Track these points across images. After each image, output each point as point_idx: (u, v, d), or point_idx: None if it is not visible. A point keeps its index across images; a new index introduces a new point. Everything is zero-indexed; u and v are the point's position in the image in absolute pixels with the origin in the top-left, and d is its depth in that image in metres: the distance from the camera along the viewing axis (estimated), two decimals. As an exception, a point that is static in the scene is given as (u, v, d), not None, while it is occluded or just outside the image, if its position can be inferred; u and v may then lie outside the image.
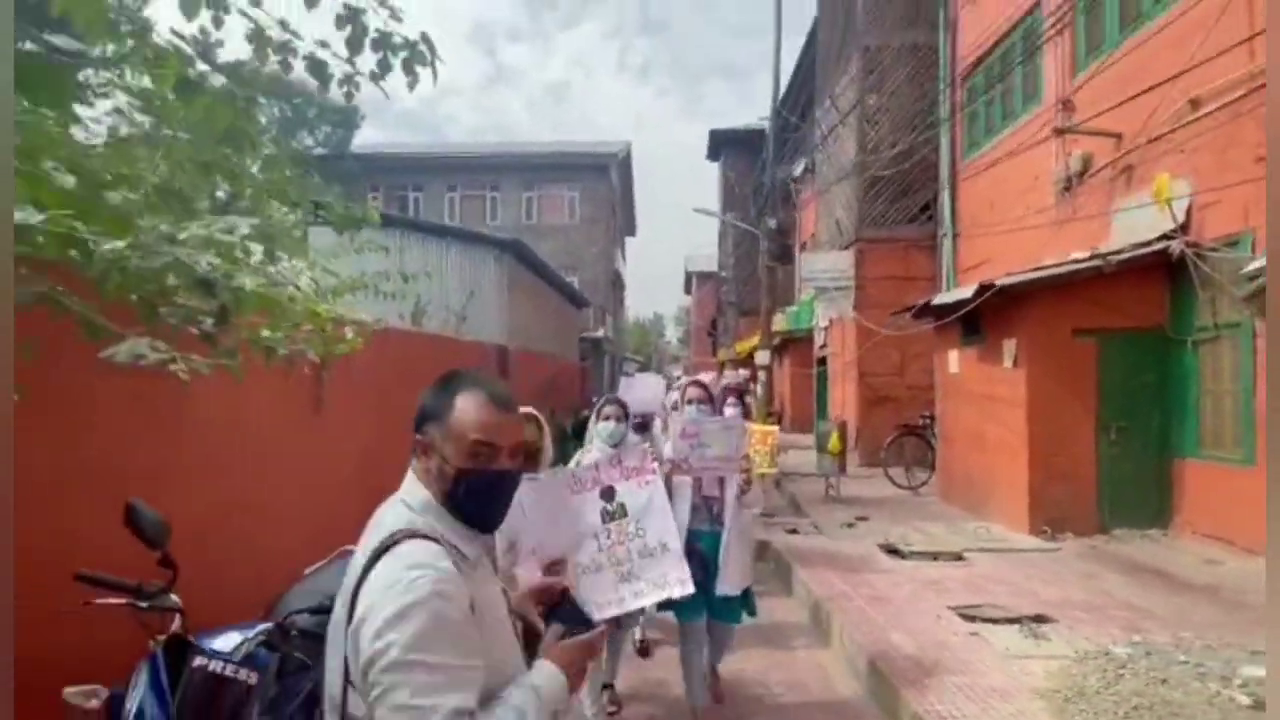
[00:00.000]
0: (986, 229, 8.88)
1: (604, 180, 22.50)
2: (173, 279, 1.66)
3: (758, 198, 17.40)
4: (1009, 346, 6.48)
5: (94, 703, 1.62)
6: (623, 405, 3.18)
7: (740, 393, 4.26)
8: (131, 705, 1.63)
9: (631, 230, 32.43)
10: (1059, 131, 6.98)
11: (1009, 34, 8.58)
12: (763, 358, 10.01)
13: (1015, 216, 8.13)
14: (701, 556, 2.86)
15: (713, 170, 26.16)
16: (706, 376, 15.19)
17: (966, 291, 6.61)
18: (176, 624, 1.85)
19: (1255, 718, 2.74)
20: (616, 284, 26.89)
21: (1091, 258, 6.04)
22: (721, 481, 2.96)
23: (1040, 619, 4.02)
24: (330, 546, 2.07)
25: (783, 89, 16.28)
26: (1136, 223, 6.13)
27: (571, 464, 3.20)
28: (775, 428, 4.76)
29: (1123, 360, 6.03)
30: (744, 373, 11.96)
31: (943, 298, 7.31)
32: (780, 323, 15.91)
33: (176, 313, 1.83)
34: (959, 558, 5.45)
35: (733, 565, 2.94)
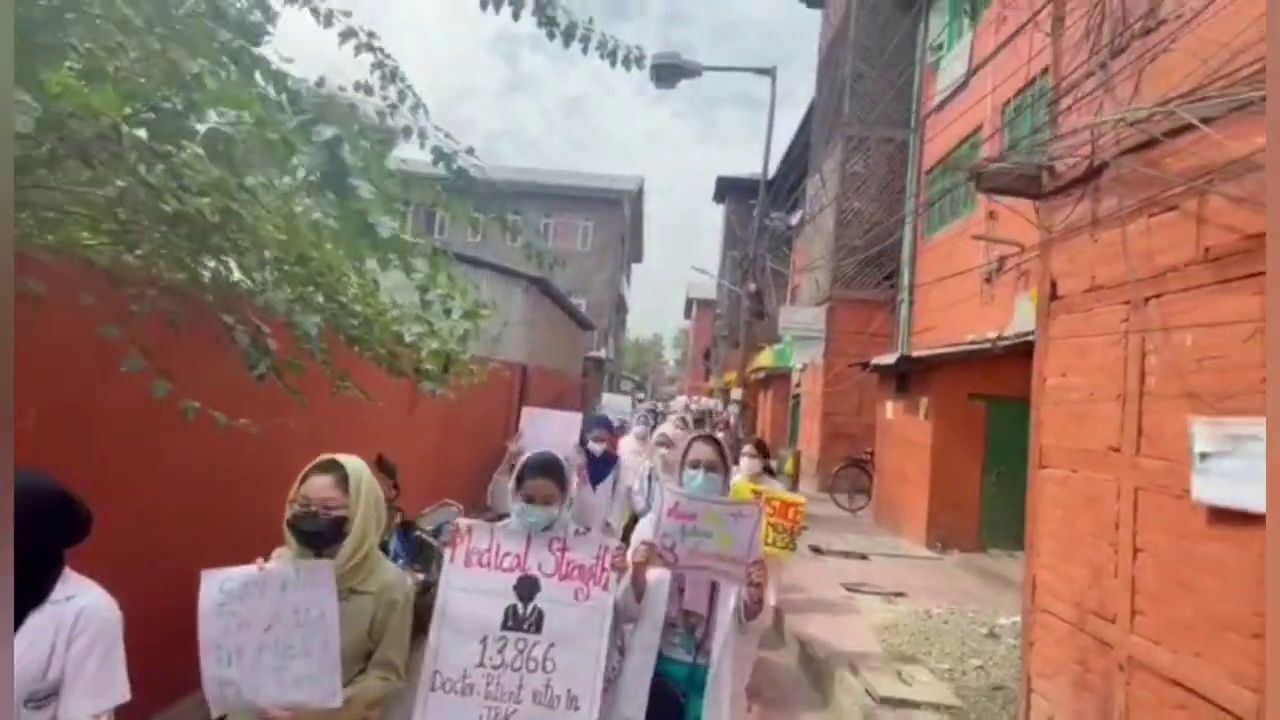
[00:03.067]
0: (934, 300, 10.86)
1: (617, 212, 24.62)
2: (409, 343, 3.52)
3: (763, 235, 19.48)
4: (923, 403, 8.41)
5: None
6: (549, 466, 1.89)
7: (762, 446, 3.94)
8: (391, 548, 3.50)
9: (638, 258, 34.57)
10: (975, 237, 8.97)
11: (959, 146, 10.65)
12: (737, 394, 11.92)
13: (953, 295, 10.11)
14: (673, 695, 1.93)
15: (718, 209, 28.36)
16: (707, 402, 17.23)
17: (892, 359, 8.56)
18: (396, 518, 3.74)
19: (988, 641, 4.61)
20: (620, 308, 28.94)
21: (985, 340, 7.99)
22: (713, 591, 1.96)
23: (898, 594, 5.89)
24: (420, 498, 3.99)
25: (786, 144, 18.43)
26: (1028, 314, 8.10)
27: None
28: (802, 499, 3.42)
29: (1004, 419, 7.95)
30: (715, 401, 13.74)
31: (878, 360, 9.25)
32: (766, 358, 17.85)
33: (406, 365, 3.70)
34: (864, 558, 7.32)
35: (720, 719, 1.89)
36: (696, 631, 1.96)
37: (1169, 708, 2.46)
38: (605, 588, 1.75)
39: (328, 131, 1.98)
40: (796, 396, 15.53)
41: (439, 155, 2.88)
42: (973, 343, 8.02)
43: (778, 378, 18.43)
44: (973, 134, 10.10)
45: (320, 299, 2.85)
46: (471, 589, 1.72)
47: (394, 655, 1.65)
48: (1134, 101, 2.84)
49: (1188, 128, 2.42)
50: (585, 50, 2.97)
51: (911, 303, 11.95)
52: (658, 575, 1.90)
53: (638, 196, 27.63)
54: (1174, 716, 2.43)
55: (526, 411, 3.39)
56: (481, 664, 1.67)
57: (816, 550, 7.48)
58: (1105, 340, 2.98)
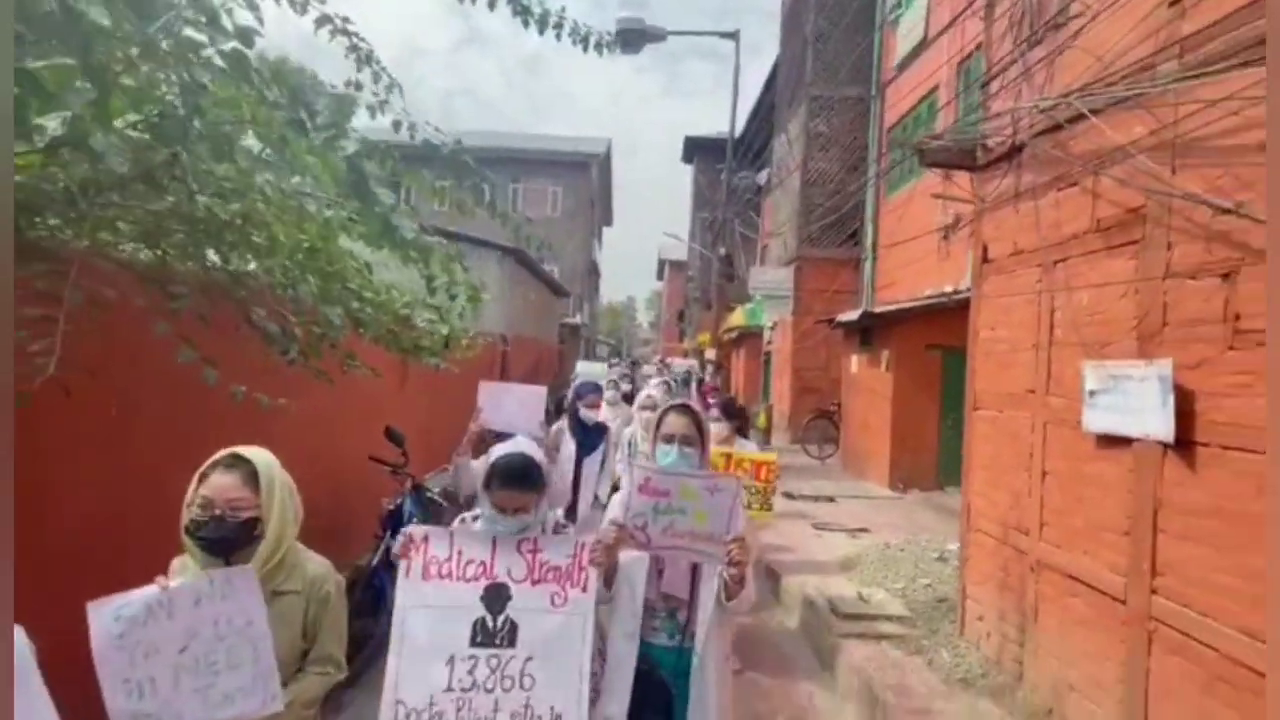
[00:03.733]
0: (895, 258, 11.40)
1: (585, 176, 24.53)
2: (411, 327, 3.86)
3: (732, 199, 19.75)
4: (885, 355, 9.00)
5: (396, 501, 3.89)
6: (522, 474, 1.67)
7: (730, 409, 3.83)
8: (404, 509, 3.91)
9: (608, 221, 34.48)
10: (934, 196, 9.45)
11: (917, 106, 11.02)
12: (710, 354, 12.43)
13: (912, 252, 10.64)
14: (661, 683, 1.81)
15: (687, 168, 28.39)
16: (681, 364, 17.88)
17: (855, 315, 9.09)
18: (408, 483, 4.13)
19: (937, 564, 5.26)
20: (592, 272, 29.05)
21: (941, 295, 8.55)
22: (694, 572, 1.83)
23: (862, 530, 6.55)
24: (415, 466, 4.40)
25: (754, 100, 18.57)
26: (977, 270, 8.68)
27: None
28: (773, 456, 3.54)
29: (959, 368, 8.53)
30: (692, 362, 14.24)
31: (843, 317, 9.79)
32: (739, 318, 18.37)
33: (406, 341, 4.04)
34: (831, 500, 7.99)
35: (707, 708, 1.78)
36: (679, 615, 1.82)
37: (1065, 596, 3.05)
38: (584, 589, 1.57)
39: (350, 147, 2.29)
40: (768, 354, 16.13)
41: (400, 126, 3.05)
42: (929, 297, 8.58)
43: (750, 336, 19.00)
44: (930, 94, 10.48)
45: (337, 289, 3.16)
46: (432, 605, 1.52)
47: (333, 649, 1.57)
48: (1047, 89, 3.26)
49: (1084, 116, 2.86)
50: (559, 37, 3.26)
51: (875, 260, 12.48)
52: (633, 558, 1.75)
53: (605, 159, 27.47)
54: (1069, 603, 3.03)
55: (483, 387, 3.09)
56: (450, 688, 1.47)
57: (789, 496, 8.10)
58: (1024, 298, 3.48)
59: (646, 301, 68.92)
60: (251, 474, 1.46)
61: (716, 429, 3.52)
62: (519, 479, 1.63)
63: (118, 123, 1.92)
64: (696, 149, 25.03)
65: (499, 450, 1.70)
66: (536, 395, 3.09)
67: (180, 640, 1.33)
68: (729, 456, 3.31)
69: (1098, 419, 2.81)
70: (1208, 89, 2.35)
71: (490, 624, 1.53)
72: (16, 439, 1.23)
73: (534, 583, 1.57)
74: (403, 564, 1.57)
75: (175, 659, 1.32)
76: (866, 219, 12.75)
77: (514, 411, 2.88)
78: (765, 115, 18.66)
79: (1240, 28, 2.25)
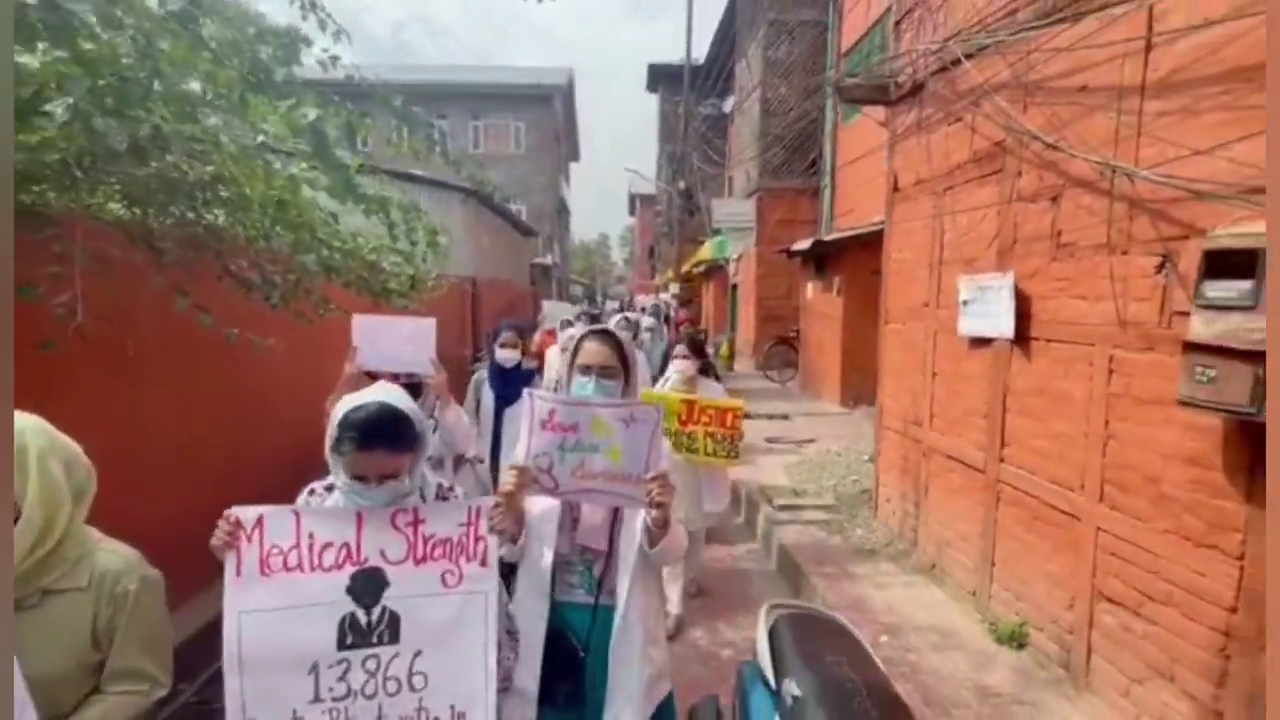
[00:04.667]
0: (851, 185, 11.76)
1: (549, 110, 23.95)
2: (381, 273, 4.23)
3: (690, 132, 19.64)
4: (836, 281, 9.54)
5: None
6: (381, 430, 1.32)
7: (697, 346, 3.48)
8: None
9: (575, 156, 33.81)
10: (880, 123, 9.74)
11: (871, 30, 11.10)
12: (673, 289, 12.86)
13: (867, 178, 11.00)
14: (572, 649, 1.54)
15: (653, 97, 27.76)
16: (646, 299, 18.13)
17: (807, 244, 9.55)
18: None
19: (867, 465, 5.98)
20: (562, 211, 28.79)
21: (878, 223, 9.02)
22: (614, 518, 1.58)
23: (809, 441, 7.26)
24: None
25: (718, 22, 18.19)
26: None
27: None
28: (740, 402, 3.24)
29: (904, 291, 9.18)
30: (664, 297, 14.64)
31: (797, 246, 10.24)
32: (706, 251, 18.67)
33: (375, 285, 4.41)
34: (786, 418, 8.70)
35: (631, 674, 1.53)
36: (595, 568, 1.57)
37: (946, 473, 3.71)
38: (483, 562, 1.32)
39: (311, 114, 2.62)
40: (734, 285, 16.60)
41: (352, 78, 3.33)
42: (874, 224, 9.05)
43: (718, 269, 19.39)
44: (883, 17, 10.56)
45: (308, 238, 3.52)
46: (278, 607, 1.23)
47: (137, 660, 1.24)
48: (939, 32, 3.63)
49: (964, 59, 3.26)
50: None
51: (833, 189, 12.82)
52: (542, 506, 1.52)
53: (569, 91, 26.72)
54: (948, 478, 3.68)
55: (357, 320, 2.56)
56: (318, 698, 1.22)
57: (747, 416, 8.79)
58: (922, 223, 3.96)
59: (620, 238, 68.32)
60: None
61: (682, 367, 3.35)
62: (380, 436, 1.28)
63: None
64: (661, 78, 24.47)
65: (350, 401, 1.33)
66: (425, 328, 2.54)
67: None
68: (692, 404, 3.09)
69: (968, 324, 3.37)
70: (1048, 38, 2.77)
71: (363, 620, 1.25)
72: (43, 379, 1.60)
73: (418, 562, 1.28)
74: (228, 559, 1.23)
75: None
76: (824, 147, 12.99)
77: (397, 349, 2.41)
78: (731, 40, 18.34)
79: None
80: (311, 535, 1.27)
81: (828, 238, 9.05)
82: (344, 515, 1.30)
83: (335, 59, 3.46)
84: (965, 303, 3.37)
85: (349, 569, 1.27)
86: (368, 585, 1.27)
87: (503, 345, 3.30)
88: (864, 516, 4.71)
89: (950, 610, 3.40)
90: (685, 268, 19.95)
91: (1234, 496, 2.00)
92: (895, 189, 4.35)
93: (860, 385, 9.36)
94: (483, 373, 3.46)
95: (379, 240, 4.32)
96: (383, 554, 1.29)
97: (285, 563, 1.25)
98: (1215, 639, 2.06)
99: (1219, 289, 1.82)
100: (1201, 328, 1.87)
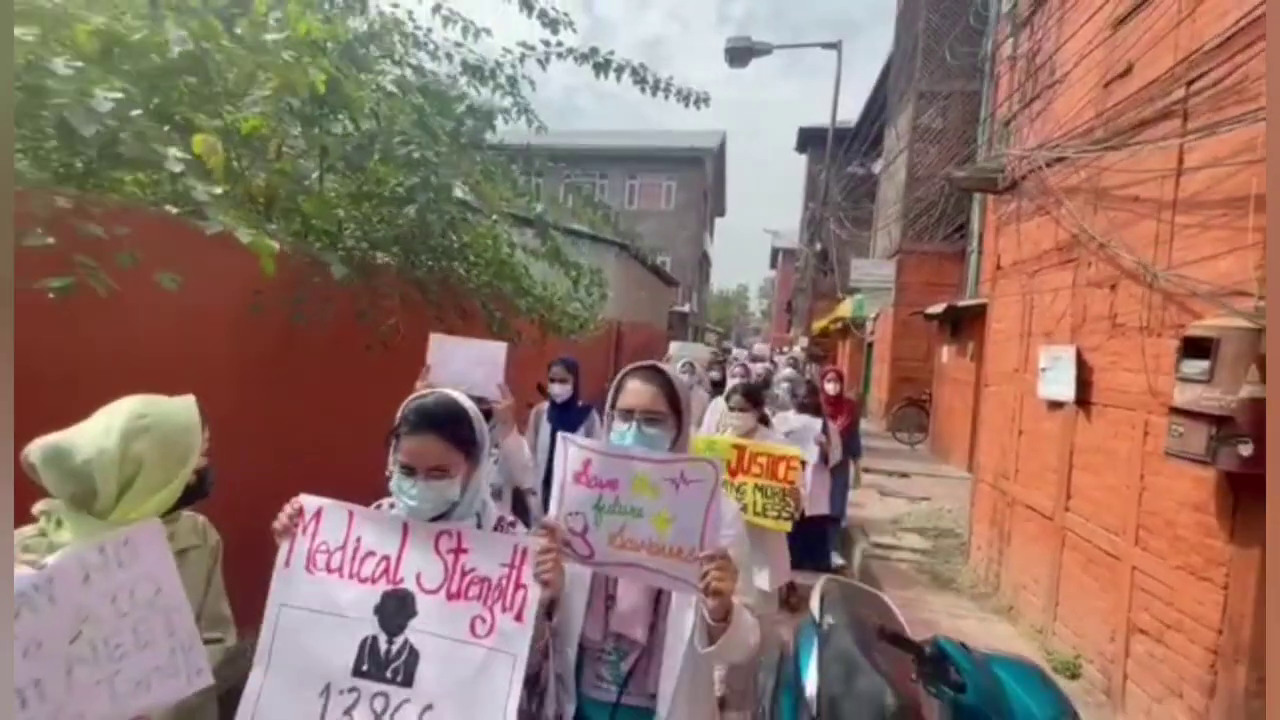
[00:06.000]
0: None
1: (699, 170, 25.89)
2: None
3: (829, 198, 20.27)
4: (970, 346, 9.68)
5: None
6: (441, 414, 1.30)
7: (753, 395, 3.07)
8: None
9: (721, 211, 35.58)
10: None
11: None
12: (802, 342, 13.46)
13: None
14: None
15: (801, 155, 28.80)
16: (762, 348, 18.91)
17: (940, 307, 9.84)
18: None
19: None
20: (703, 262, 30.43)
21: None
22: (660, 599, 1.32)
23: (923, 499, 7.56)
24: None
25: (873, 85, 18.95)
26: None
27: None
28: (796, 450, 2.81)
29: (1043, 361, 9.12)
30: (794, 351, 15.15)
31: (931, 309, 10.51)
32: (845, 309, 18.96)
33: (551, 321, 5.77)
34: (905, 476, 8.95)
35: None
36: (626, 661, 1.30)
37: (1024, 522, 4.15)
38: (519, 616, 1.13)
39: (539, 206, 3.97)
40: (870, 344, 16.74)
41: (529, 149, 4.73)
42: (1013, 293, 9.18)
43: (857, 326, 19.53)
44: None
45: (514, 287, 4.93)
46: (315, 607, 1.17)
47: (224, 606, 1.38)
48: (1036, 136, 4.30)
49: (1046, 165, 3.92)
50: (666, 98, 4.81)
51: (980, 254, 12.83)
52: (571, 574, 1.25)
53: (720, 152, 28.62)
54: (1025, 526, 4.13)
55: (434, 339, 2.53)
56: None
57: (866, 470, 9.17)
58: (1016, 299, 4.52)
59: (760, 289, 69.02)
60: None
61: (738, 421, 2.98)
62: (433, 421, 1.24)
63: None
64: (809, 140, 25.47)
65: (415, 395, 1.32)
66: (495, 352, 2.48)
67: (68, 628, 1.02)
68: (742, 450, 2.72)
69: (1045, 389, 3.90)
70: (1113, 155, 3.40)
71: (383, 647, 1.14)
72: (378, 375, 2.84)
73: (450, 596, 1.15)
74: (283, 545, 1.21)
75: (65, 650, 1.01)
76: (973, 213, 13.08)
77: (468, 370, 2.38)
78: (882, 104, 18.94)
79: (1145, 102, 3.29)
80: (359, 540, 1.19)
81: (961, 303, 9.31)
82: (392, 525, 1.20)
83: (529, 147, 4.89)
84: (1043, 370, 3.91)
85: (383, 586, 1.16)
86: (397, 610, 1.15)
87: (553, 380, 3.27)
88: (956, 562, 5.12)
89: (1016, 645, 3.83)
90: (822, 324, 20.33)
91: (1221, 536, 2.48)
92: (997, 267, 4.92)
93: (989, 452, 9.34)
94: (543, 406, 3.40)
95: (564, 290, 5.72)
96: (419, 578, 1.16)
97: (329, 563, 1.18)
98: (1207, 657, 2.51)
99: (1189, 367, 2.40)
100: (1178, 395, 2.45)
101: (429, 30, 4.23)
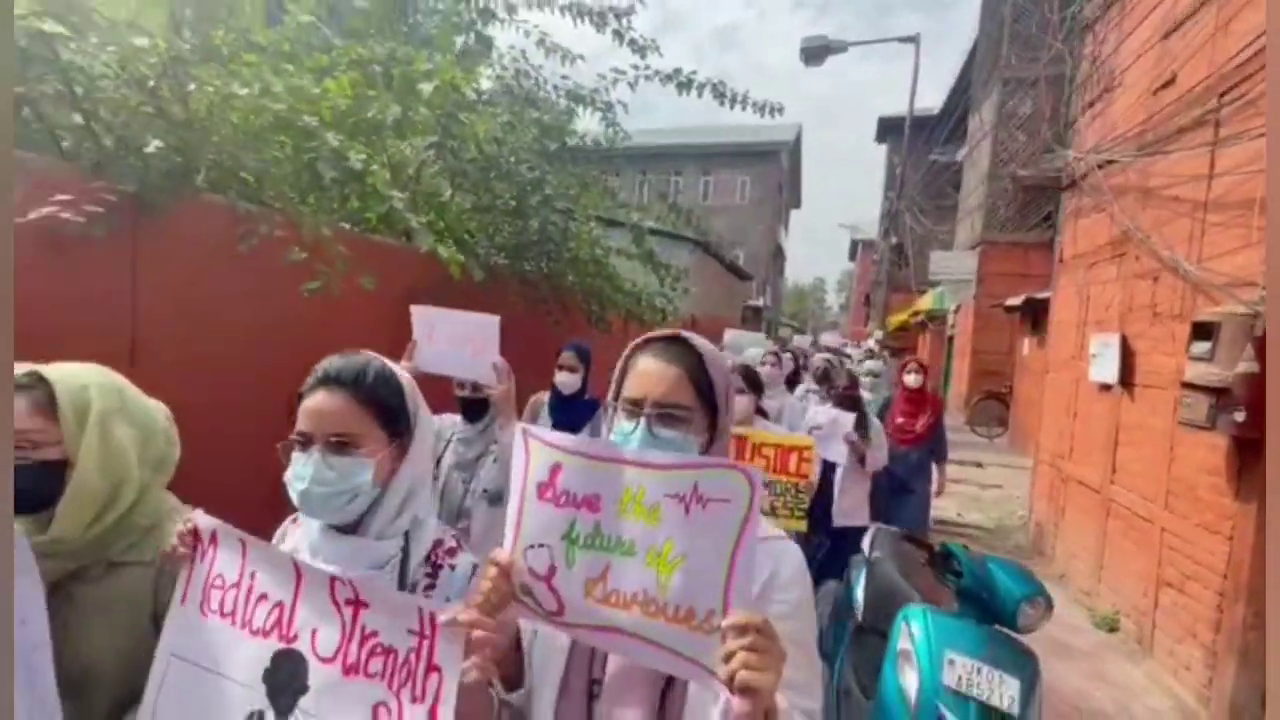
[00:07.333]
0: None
1: (774, 164, 26.08)
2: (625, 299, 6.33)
3: (901, 192, 20.01)
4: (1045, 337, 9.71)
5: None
6: (341, 373, 0.97)
7: (752, 378, 2.74)
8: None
9: (797, 204, 35.44)
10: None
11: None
12: (876, 335, 13.61)
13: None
14: None
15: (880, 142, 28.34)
16: (830, 338, 19.00)
17: (1019, 299, 9.90)
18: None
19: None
20: (777, 256, 30.54)
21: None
22: (668, 688, 0.81)
23: (994, 486, 7.83)
24: None
25: (958, 70, 18.65)
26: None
27: None
28: (809, 439, 2.50)
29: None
30: (868, 344, 15.22)
31: (1010, 301, 10.55)
32: (927, 301, 18.79)
33: (637, 312, 6.53)
34: (979, 466, 9.17)
35: None
36: None
37: (1077, 496, 4.54)
38: (433, 713, 0.75)
39: (635, 215, 4.73)
40: (950, 337, 16.60)
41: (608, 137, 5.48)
42: (1097, 284, 9.15)
43: (937, 319, 19.28)
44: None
45: (609, 285, 5.72)
46: (204, 664, 0.88)
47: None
48: (1091, 139, 4.64)
49: (1101, 166, 4.29)
50: (744, 109, 5.45)
51: (1067, 243, 12.62)
52: (545, 640, 0.89)
53: (795, 145, 28.64)
54: (1078, 500, 4.51)
55: (417, 312, 2.12)
56: None
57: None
58: (1075, 290, 4.87)
59: (838, 282, 67.62)
60: (48, 397, 0.98)
61: (739, 404, 2.54)
62: (342, 377, 0.95)
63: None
64: (889, 130, 25.11)
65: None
66: (487, 326, 2.03)
67: None
68: (744, 441, 2.40)
69: (1094, 373, 4.28)
70: (1156, 158, 3.77)
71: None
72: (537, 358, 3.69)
73: (347, 670, 0.81)
74: (180, 576, 0.93)
75: None
76: (1060, 202, 12.84)
77: (457, 349, 2.03)
78: (967, 88, 18.57)
79: (1184, 110, 3.65)
80: (253, 576, 0.88)
81: (1040, 295, 9.37)
82: (283, 561, 0.87)
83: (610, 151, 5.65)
84: (1093, 355, 4.29)
85: (274, 642, 0.85)
86: (288, 679, 0.83)
87: (560, 367, 2.73)
88: (1016, 540, 5.49)
89: (1065, 607, 4.24)
90: (901, 318, 20.16)
91: (1228, 494, 2.91)
92: (1060, 260, 5.26)
93: (1070, 445, 9.37)
94: (544, 395, 2.84)
95: (650, 285, 6.48)
96: (313, 637, 0.83)
97: (223, 604, 0.89)
98: (1216, 599, 2.95)
99: (1196, 348, 2.84)
100: (1188, 372, 2.89)
101: (540, 67, 5.07)
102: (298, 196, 3.01)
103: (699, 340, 0.92)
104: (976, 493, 7.43)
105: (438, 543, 0.99)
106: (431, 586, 0.95)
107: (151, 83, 2.22)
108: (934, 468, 4.23)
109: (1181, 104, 3.57)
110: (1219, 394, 2.72)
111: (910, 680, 2.08)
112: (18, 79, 1.99)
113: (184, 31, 3.27)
